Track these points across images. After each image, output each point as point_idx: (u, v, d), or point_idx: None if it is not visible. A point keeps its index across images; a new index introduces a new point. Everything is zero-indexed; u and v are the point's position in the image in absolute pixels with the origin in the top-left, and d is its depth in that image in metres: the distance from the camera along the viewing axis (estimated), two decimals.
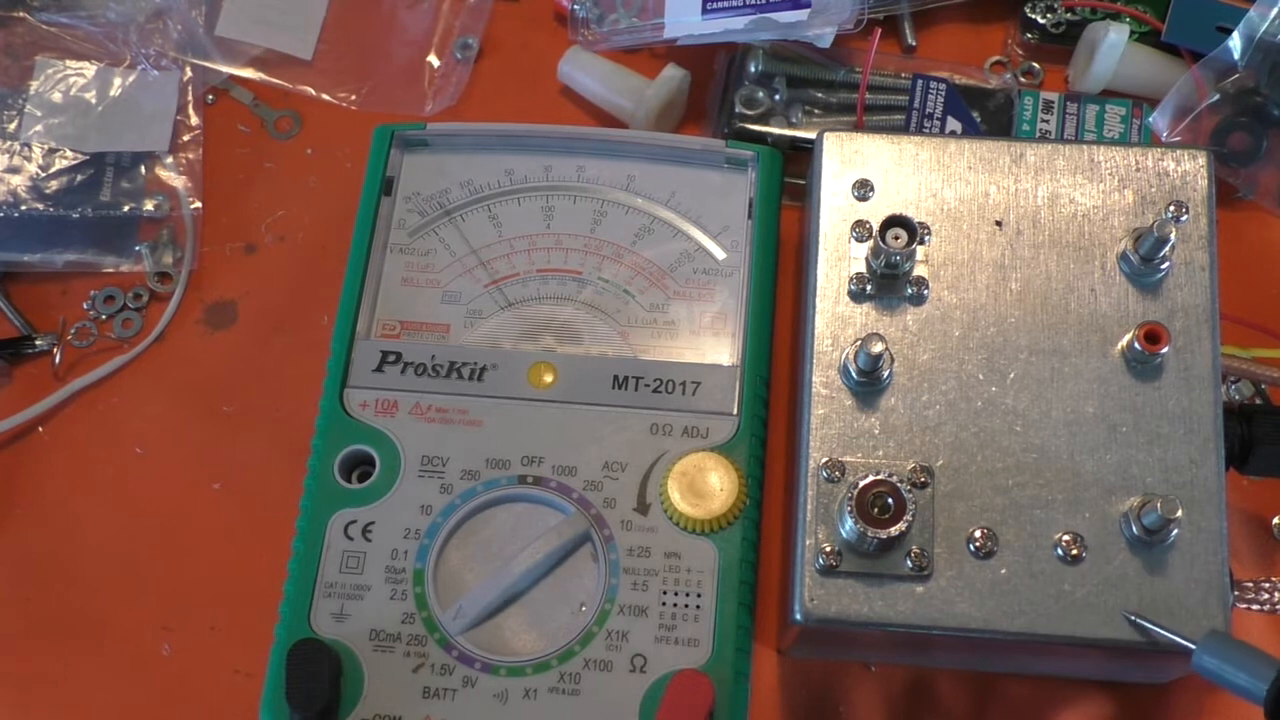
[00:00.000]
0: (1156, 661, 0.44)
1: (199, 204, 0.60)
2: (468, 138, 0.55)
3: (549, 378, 0.50)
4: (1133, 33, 0.60)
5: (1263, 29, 0.56)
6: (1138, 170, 0.48)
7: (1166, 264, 0.46)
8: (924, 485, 0.44)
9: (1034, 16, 0.62)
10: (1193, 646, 0.40)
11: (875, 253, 0.47)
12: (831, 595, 0.43)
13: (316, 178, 0.61)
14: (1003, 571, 0.43)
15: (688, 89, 0.60)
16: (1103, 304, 0.46)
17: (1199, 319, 0.46)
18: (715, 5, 0.58)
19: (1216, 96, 0.57)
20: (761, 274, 0.52)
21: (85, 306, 0.59)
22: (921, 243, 0.47)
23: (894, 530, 0.42)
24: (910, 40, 0.63)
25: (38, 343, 0.58)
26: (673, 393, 0.50)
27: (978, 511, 0.43)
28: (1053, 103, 0.59)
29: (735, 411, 0.50)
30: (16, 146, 0.60)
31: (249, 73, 0.63)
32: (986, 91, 0.60)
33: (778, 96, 0.59)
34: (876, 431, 0.45)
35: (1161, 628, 0.41)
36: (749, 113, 0.58)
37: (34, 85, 0.61)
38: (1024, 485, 0.44)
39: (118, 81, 0.62)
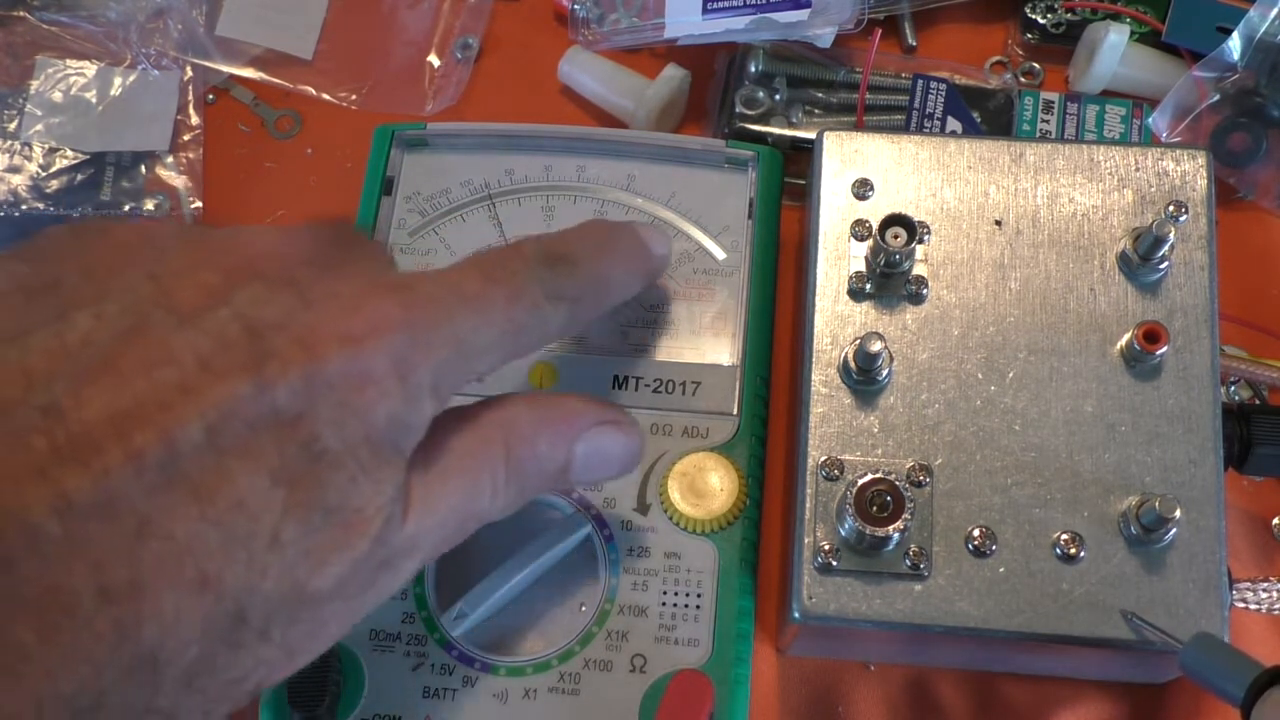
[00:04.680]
0: (1154, 661, 0.44)
1: (199, 203, 0.60)
2: (468, 138, 0.55)
3: (549, 378, 0.50)
4: (1133, 33, 0.60)
5: (1263, 29, 0.56)
6: (1137, 170, 0.48)
7: (1166, 264, 0.46)
8: (922, 484, 0.44)
9: (1034, 17, 0.62)
10: (1180, 646, 0.39)
11: (875, 252, 0.47)
12: (830, 593, 0.43)
13: (316, 178, 0.61)
14: (1001, 570, 0.43)
15: (688, 89, 0.60)
16: (1102, 303, 0.46)
17: (1198, 319, 0.46)
18: (715, 5, 0.58)
19: (1216, 97, 0.57)
20: (761, 274, 0.52)
21: None
22: (921, 242, 0.47)
23: (892, 529, 0.42)
24: (910, 40, 0.63)
25: None
26: (672, 393, 0.50)
27: (976, 510, 0.43)
28: (1053, 103, 0.59)
29: (735, 411, 0.50)
30: (17, 146, 0.60)
31: (249, 72, 0.63)
32: (987, 91, 0.60)
33: (778, 96, 0.59)
34: (875, 430, 0.45)
35: (1154, 626, 0.41)
36: (749, 113, 0.58)
37: (34, 85, 0.61)
38: (1023, 484, 0.44)
39: (118, 81, 0.62)
